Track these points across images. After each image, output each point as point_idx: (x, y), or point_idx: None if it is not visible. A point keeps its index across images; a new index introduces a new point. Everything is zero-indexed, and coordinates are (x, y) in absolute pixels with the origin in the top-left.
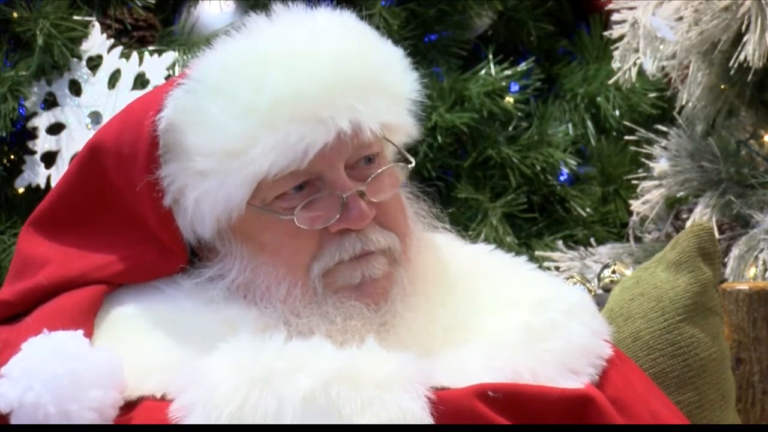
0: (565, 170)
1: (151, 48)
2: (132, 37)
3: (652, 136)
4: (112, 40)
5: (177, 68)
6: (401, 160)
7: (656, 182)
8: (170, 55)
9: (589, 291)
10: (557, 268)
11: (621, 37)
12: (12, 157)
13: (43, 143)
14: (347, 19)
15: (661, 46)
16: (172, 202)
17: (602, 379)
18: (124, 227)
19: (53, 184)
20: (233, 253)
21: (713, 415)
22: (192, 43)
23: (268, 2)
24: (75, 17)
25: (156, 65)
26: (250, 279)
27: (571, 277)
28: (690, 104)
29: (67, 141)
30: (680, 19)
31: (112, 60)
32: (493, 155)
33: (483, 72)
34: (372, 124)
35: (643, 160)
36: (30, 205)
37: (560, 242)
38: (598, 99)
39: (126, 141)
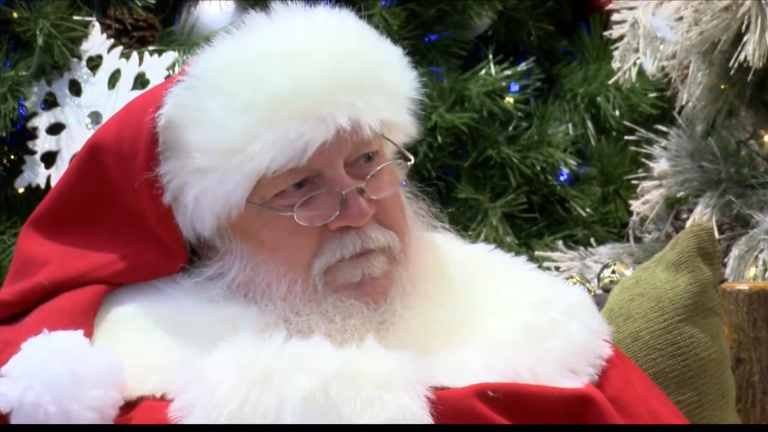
0: (565, 170)
1: (151, 48)
2: (132, 37)
3: (652, 136)
4: (112, 40)
5: (177, 68)
6: (401, 159)
7: (656, 182)
8: (170, 55)
9: (589, 291)
10: (557, 268)
11: (621, 37)
12: (12, 157)
13: (43, 143)
14: (346, 17)
15: (661, 46)
16: (172, 199)
17: (602, 379)
18: (124, 226)
19: (53, 184)
20: (233, 251)
21: (713, 415)
22: (192, 43)
23: (268, 2)
24: (75, 17)
25: (156, 65)
26: (251, 277)
27: (571, 277)
28: (690, 104)
29: (67, 141)
30: (680, 19)
31: (112, 60)
32: (493, 155)
33: (483, 72)
34: (371, 122)
35: (643, 160)
36: (30, 205)
37: (560, 242)
38: (598, 99)
39: (126, 139)
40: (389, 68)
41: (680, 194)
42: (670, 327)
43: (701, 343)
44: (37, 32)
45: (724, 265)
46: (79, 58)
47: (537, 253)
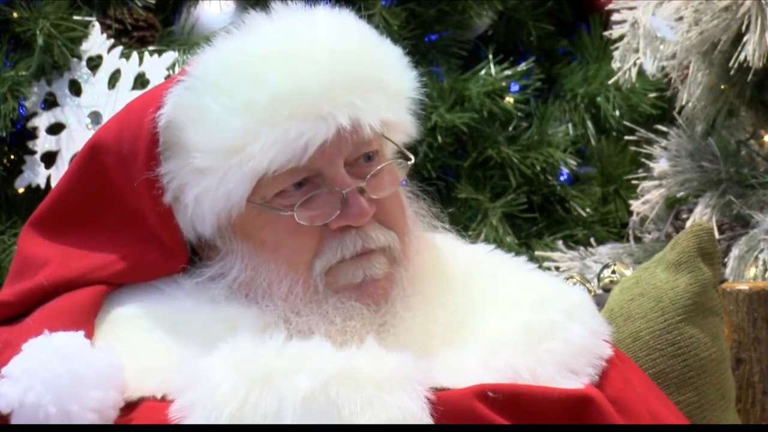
0: (565, 170)
1: (151, 48)
2: (132, 37)
3: (652, 136)
4: (112, 40)
5: (177, 68)
6: (401, 159)
7: (656, 182)
8: (170, 55)
9: (589, 291)
10: (557, 268)
11: (621, 37)
12: (12, 157)
13: (43, 143)
14: (346, 16)
15: (661, 46)
16: (172, 199)
17: (602, 379)
18: (124, 226)
19: (53, 184)
20: (234, 251)
21: (713, 415)
22: (192, 43)
23: (268, 2)
24: (75, 17)
25: (156, 65)
26: (252, 277)
27: (571, 277)
28: (690, 104)
29: (67, 141)
30: (680, 19)
31: (112, 60)
32: (493, 155)
33: (483, 72)
34: (371, 121)
35: (643, 160)
36: (30, 205)
37: (560, 242)
38: (598, 99)
39: (126, 139)
40: (389, 68)
41: (680, 194)
42: (670, 327)
43: (701, 343)
44: (37, 32)
45: (724, 265)
46: (79, 58)
47: (537, 253)
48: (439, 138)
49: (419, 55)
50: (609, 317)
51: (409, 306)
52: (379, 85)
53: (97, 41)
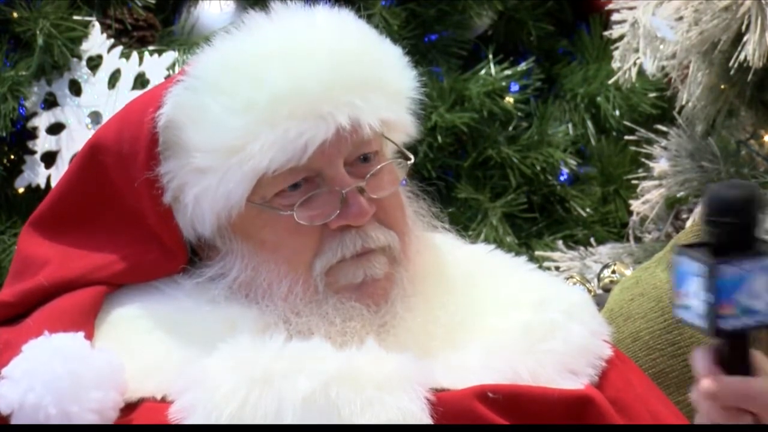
0: (565, 170)
1: (151, 48)
2: (132, 37)
3: (652, 136)
4: (112, 40)
5: (177, 68)
6: (401, 159)
7: (656, 182)
8: (170, 55)
9: (589, 291)
10: (557, 268)
11: (621, 37)
12: (12, 157)
13: (43, 143)
14: (346, 16)
15: (661, 46)
16: (172, 199)
17: (602, 379)
18: (124, 226)
19: (53, 184)
20: (234, 251)
21: None
22: (192, 43)
23: (268, 1)
24: (75, 17)
25: (156, 65)
26: (252, 277)
27: (571, 277)
28: (690, 104)
29: (67, 141)
30: (680, 19)
31: (112, 60)
32: (493, 155)
33: (483, 72)
34: (371, 121)
35: (643, 160)
36: (30, 205)
37: (560, 242)
38: (598, 99)
39: (126, 139)
40: (389, 68)
41: (680, 194)
42: (670, 327)
43: (701, 344)
44: (37, 32)
45: None
46: (79, 58)
47: (537, 253)
48: (439, 138)
49: (419, 55)
50: (609, 317)
51: (409, 306)
52: (379, 84)
53: (97, 41)
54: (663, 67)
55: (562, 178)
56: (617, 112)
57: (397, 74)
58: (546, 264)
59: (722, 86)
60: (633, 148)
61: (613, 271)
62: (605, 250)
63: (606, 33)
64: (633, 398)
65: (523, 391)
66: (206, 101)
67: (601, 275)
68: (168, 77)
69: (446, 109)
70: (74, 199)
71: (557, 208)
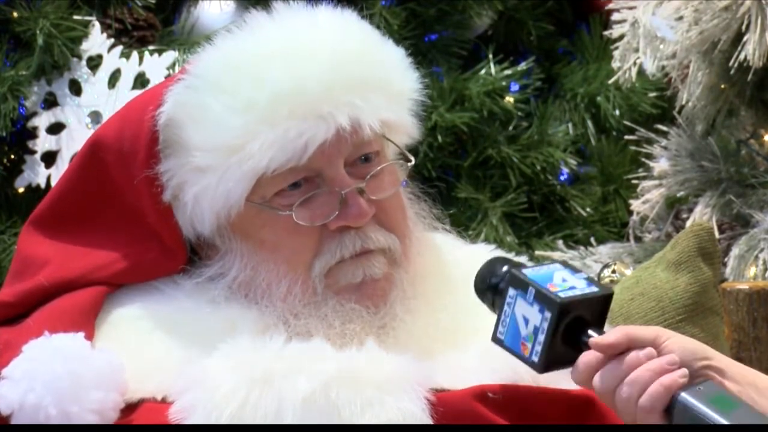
0: (565, 170)
1: (151, 48)
2: (132, 36)
3: (652, 135)
4: (112, 40)
5: (177, 68)
6: (401, 160)
7: (656, 182)
8: (170, 55)
9: None
10: None
11: (621, 37)
12: (12, 157)
13: (43, 143)
14: (347, 16)
15: (661, 46)
16: (172, 197)
17: None
18: (124, 225)
19: (53, 183)
20: (233, 250)
21: None
22: (192, 42)
23: (269, 1)
24: (75, 17)
25: (156, 65)
26: (251, 277)
27: None
28: (690, 104)
29: (67, 141)
30: (680, 18)
31: (112, 60)
32: (493, 155)
33: (483, 72)
34: (371, 121)
35: (643, 159)
36: (30, 205)
37: (560, 242)
38: (598, 99)
39: (126, 137)
40: (390, 68)
41: (680, 194)
42: (671, 327)
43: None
44: (37, 32)
45: (725, 264)
46: (79, 57)
47: (537, 252)
48: (439, 138)
49: (419, 55)
50: (609, 317)
51: (409, 308)
52: (380, 85)
53: (97, 41)
54: (663, 67)
55: (562, 178)
56: (617, 112)
57: (398, 75)
58: None
59: (722, 86)
60: (633, 147)
61: (614, 271)
62: (605, 250)
63: (606, 33)
64: None
65: (523, 391)
66: (207, 100)
67: (602, 275)
68: (168, 77)
69: (446, 108)
70: (75, 197)
71: (557, 208)
